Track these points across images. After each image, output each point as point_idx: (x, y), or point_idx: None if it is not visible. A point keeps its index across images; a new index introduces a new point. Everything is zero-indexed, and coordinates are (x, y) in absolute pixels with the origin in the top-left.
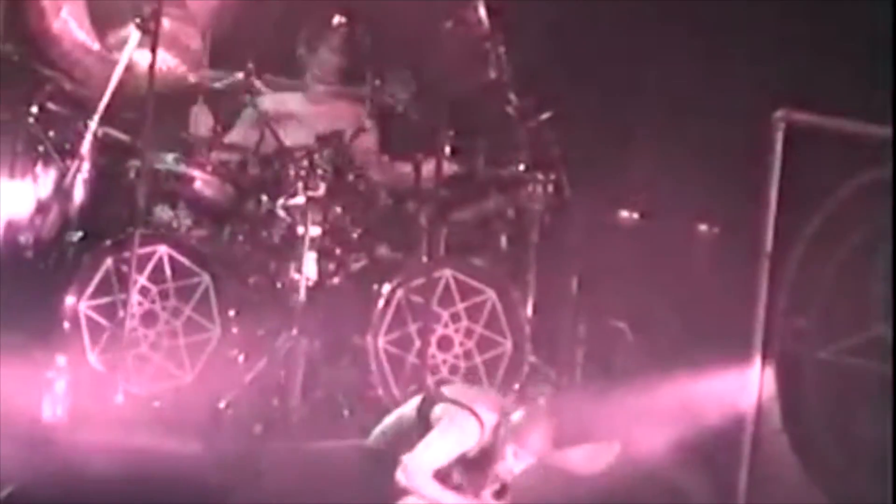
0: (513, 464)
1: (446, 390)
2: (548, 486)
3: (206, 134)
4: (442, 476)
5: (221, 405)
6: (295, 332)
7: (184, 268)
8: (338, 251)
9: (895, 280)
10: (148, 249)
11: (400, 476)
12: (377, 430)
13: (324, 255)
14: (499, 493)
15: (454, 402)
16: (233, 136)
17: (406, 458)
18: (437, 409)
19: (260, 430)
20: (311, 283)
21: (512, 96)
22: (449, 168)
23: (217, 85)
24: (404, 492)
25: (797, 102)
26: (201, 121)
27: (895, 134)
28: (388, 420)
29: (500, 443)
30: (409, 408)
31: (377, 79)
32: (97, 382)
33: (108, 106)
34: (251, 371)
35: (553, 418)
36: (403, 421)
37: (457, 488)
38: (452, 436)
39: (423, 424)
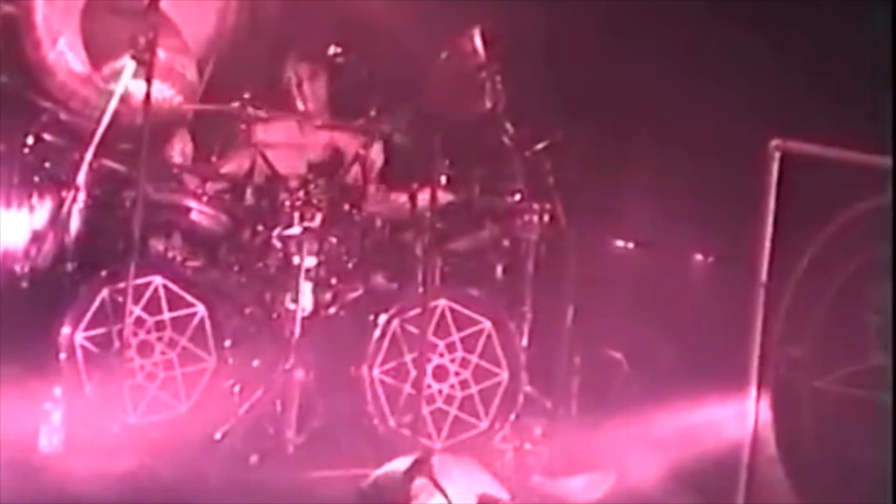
0: None
1: (435, 461)
2: None
3: (185, 162)
4: None
5: (217, 436)
6: (291, 362)
7: (179, 298)
8: (333, 281)
9: (895, 309)
10: (143, 280)
11: None
12: (372, 476)
13: (319, 285)
14: None
15: (434, 483)
16: (227, 167)
17: None
18: (419, 482)
19: (256, 460)
20: (306, 314)
21: (508, 126)
22: (444, 198)
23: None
24: None
25: (793, 132)
26: (180, 150)
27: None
28: (383, 471)
29: None
30: (402, 466)
31: (372, 109)
32: (93, 413)
33: (104, 136)
34: (247, 401)
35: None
36: (393, 478)
37: None
38: None
39: (405, 488)
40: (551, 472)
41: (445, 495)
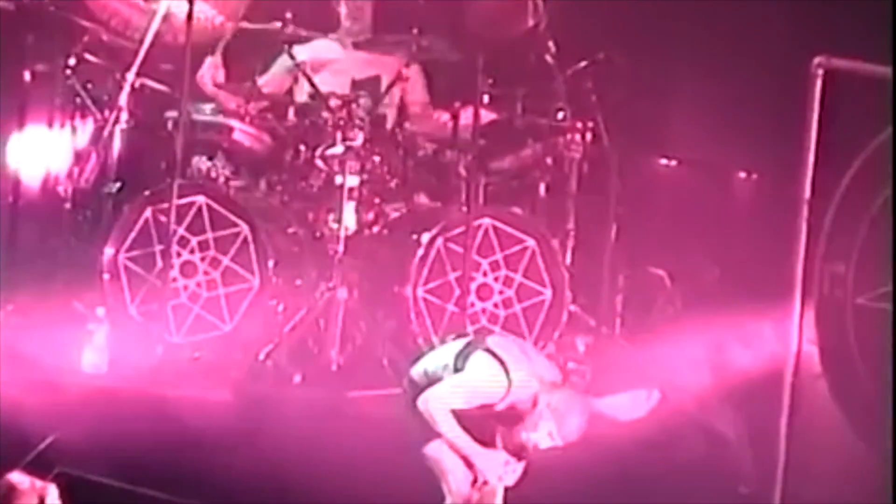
0: (542, 440)
1: (493, 340)
2: (590, 431)
3: (215, 84)
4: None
5: (261, 355)
6: (334, 282)
7: (222, 218)
8: (376, 201)
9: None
10: (186, 200)
11: (420, 403)
12: (420, 366)
13: (362, 204)
14: (516, 455)
15: (493, 353)
16: (265, 83)
17: (430, 390)
18: (476, 356)
19: (299, 379)
20: (349, 233)
21: (550, 44)
22: (487, 116)
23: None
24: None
25: (836, 49)
26: (210, 73)
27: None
28: (431, 358)
29: (537, 416)
30: (452, 349)
31: (415, 28)
32: (137, 333)
33: (146, 57)
34: (290, 321)
35: (589, 407)
36: (444, 361)
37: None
38: (477, 384)
39: (459, 367)
40: (595, 391)
41: (504, 366)
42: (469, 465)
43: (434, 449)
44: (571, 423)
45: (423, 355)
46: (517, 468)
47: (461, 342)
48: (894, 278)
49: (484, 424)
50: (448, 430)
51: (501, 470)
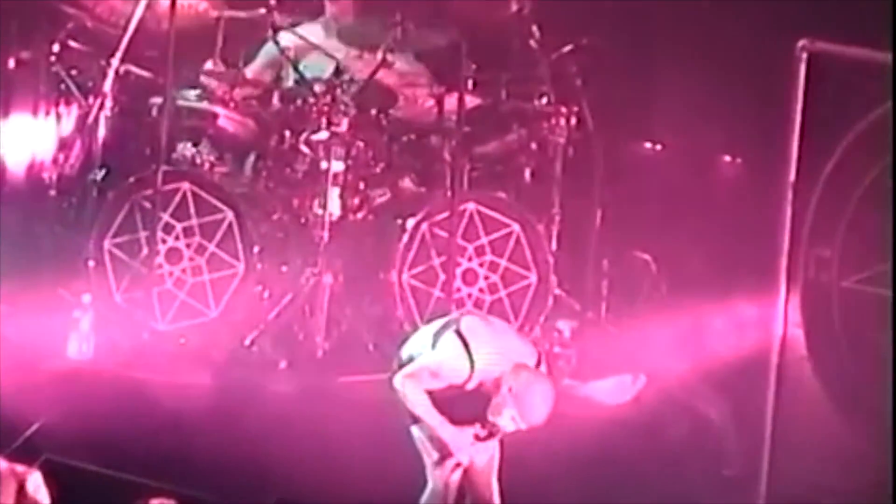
0: (506, 424)
1: (465, 321)
2: (575, 415)
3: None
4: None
5: (246, 341)
6: (319, 267)
7: (207, 204)
8: (361, 186)
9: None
10: (171, 186)
11: (395, 382)
12: (405, 347)
13: (347, 189)
14: (484, 437)
15: (460, 335)
16: (251, 71)
17: (403, 369)
18: (444, 337)
19: (285, 365)
20: (334, 219)
21: (534, 29)
22: (471, 101)
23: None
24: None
25: (820, 32)
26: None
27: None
28: (414, 339)
29: (501, 400)
30: (431, 330)
31: (398, 13)
32: (122, 320)
33: (130, 43)
34: (276, 307)
35: (555, 389)
36: (423, 341)
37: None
38: (441, 364)
39: (434, 348)
40: (580, 375)
41: (468, 348)
42: (443, 444)
43: (420, 429)
44: (535, 409)
45: (409, 338)
46: (488, 447)
47: (440, 322)
48: (894, 265)
49: (458, 404)
50: (419, 409)
51: (471, 449)
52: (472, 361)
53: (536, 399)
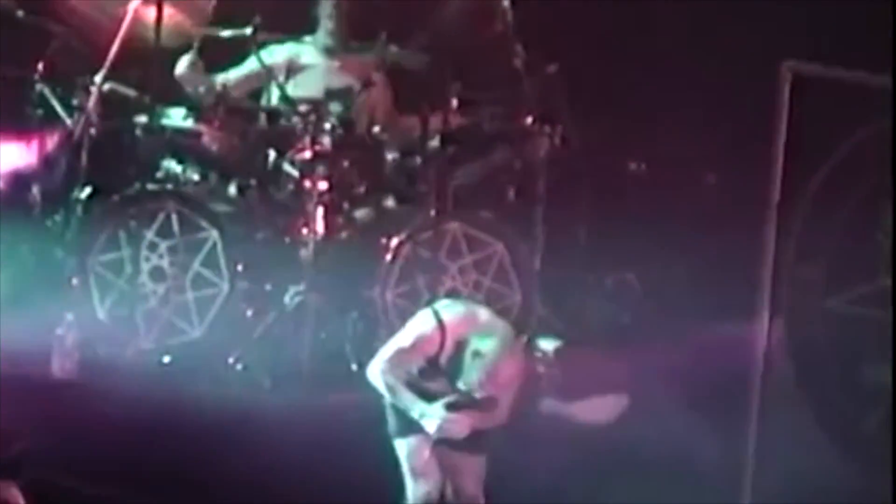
0: (475, 390)
1: (443, 300)
2: (556, 437)
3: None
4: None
5: (230, 360)
6: (303, 286)
7: (191, 223)
8: (345, 205)
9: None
10: (155, 205)
11: (368, 374)
12: None
13: (331, 209)
14: (453, 406)
15: (431, 308)
16: (234, 84)
17: (376, 357)
18: (417, 315)
19: (269, 384)
20: (318, 238)
21: (519, 49)
22: (455, 121)
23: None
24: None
25: (805, 53)
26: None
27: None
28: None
29: (468, 364)
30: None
31: (383, 34)
32: (106, 338)
33: (115, 62)
34: (260, 326)
35: (524, 356)
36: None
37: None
38: (410, 336)
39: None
40: (564, 395)
41: (436, 314)
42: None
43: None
44: (502, 373)
45: None
46: (458, 419)
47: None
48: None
49: (433, 381)
50: (390, 392)
51: (441, 422)
52: (439, 320)
53: (505, 364)
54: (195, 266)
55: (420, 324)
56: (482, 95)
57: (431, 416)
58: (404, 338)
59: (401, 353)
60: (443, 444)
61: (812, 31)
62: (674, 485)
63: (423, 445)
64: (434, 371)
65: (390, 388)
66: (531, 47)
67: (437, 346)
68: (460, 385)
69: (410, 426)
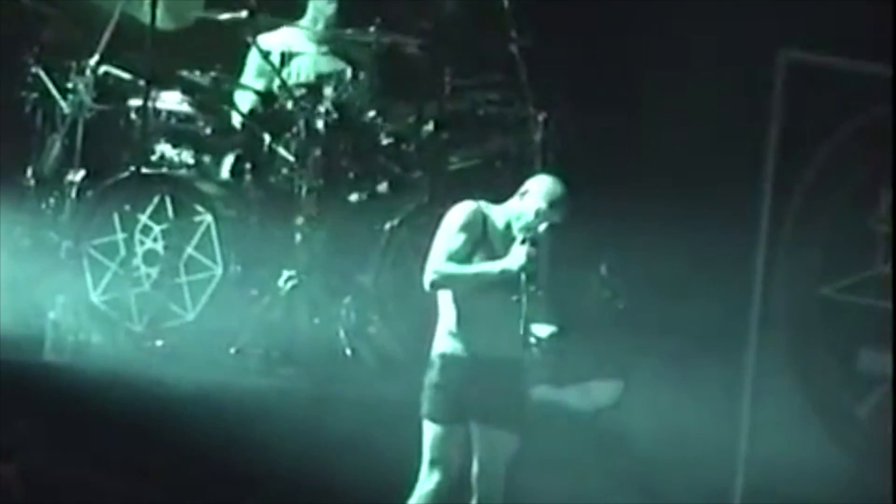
0: (535, 220)
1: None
2: (550, 423)
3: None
4: None
5: (224, 343)
6: (297, 270)
7: (186, 207)
8: (339, 190)
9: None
10: (150, 188)
11: (426, 285)
12: None
13: (325, 193)
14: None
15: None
16: (244, 81)
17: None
18: None
19: (262, 367)
20: (312, 222)
21: (514, 35)
22: (450, 107)
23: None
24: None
25: (802, 41)
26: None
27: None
28: None
29: (524, 207)
30: None
31: (378, 18)
32: (100, 321)
33: (110, 44)
34: (254, 310)
35: None
36: None
37: None
38: (450, 225)
39: None
40: (559, 381)
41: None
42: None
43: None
44: (552, 188)
45: None
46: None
47: None
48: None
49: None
50: (452, 281)
51: (520, 258)
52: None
53: (549, 182)
54: (189, 250)
55: (456, 210)
56: (477, 82)
57: (512, 260)
58: (441, 233)
59: (445, 248)
60: (488, 421)
61: (810, 19)
62: (668, 469)
63: (453, 433)
64: (484, 251)
65: (452, 277)
66: (526, 33)
67: (479, 224)
68: (520, 230)
69: (450, 410)
